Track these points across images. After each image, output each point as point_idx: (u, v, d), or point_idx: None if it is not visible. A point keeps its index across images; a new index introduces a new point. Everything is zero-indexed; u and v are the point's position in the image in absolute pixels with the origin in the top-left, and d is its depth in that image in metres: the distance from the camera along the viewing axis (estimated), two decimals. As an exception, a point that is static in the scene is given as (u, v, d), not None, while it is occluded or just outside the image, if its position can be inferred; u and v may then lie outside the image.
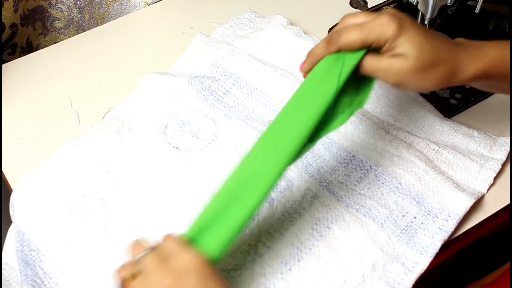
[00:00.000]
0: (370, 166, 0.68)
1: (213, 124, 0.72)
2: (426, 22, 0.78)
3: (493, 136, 0.72)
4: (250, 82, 0.76)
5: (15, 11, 0.83)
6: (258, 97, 0.75)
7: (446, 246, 0.63)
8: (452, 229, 0.63)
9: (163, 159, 0.68)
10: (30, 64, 0.82)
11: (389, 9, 0.56)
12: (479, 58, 0.57)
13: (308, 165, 0.68)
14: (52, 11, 0.91)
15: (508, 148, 0.70)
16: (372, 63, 0.54)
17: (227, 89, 0.75)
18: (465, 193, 0.65)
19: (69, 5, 0.91)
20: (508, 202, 0.67)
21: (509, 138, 0.71)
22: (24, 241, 0.62)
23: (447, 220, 0.63)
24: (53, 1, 0.90)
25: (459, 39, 0.59)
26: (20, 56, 0.89)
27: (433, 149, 0.69)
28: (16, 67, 0.82)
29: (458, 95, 0.77)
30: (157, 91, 0.74)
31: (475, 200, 0.64)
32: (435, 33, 0.56)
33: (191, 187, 0.66)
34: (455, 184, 0.66)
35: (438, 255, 0.62)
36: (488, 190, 0.67)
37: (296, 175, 0.67)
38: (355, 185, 0.66)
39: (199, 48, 0.80)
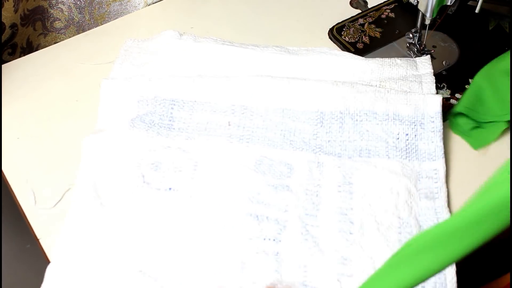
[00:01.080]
0: (341, 113, 0.71)
1: (182, 152, 0.69)
2: (426, 23, 0.78)
3: (412, 59, 0.79)
4: (185, 99, 0.73)
5: (15, 11, 0.83)
6: (202, 108, 0.72)
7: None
8: (442, 126, 0.68)
9: (165, 204, 0.65)
10: (30, 64, 0.82)
11: None
12: None
13: (291, 142, 0.70)
14: (52, 11, 0.91)
15: (429, 63, 0.77)
16: None
17: (169, 116, 0.72)
18: (428, 96, 0.70)
19: (69, 5, 0.91)
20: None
21: (427, 56, 0.79)
22: None
23: (433, 122, 0.68)
24: (53, 1, 0.90)
25: None
26: (20, 56, 0.89)
27: (376, 85, 0.74)
28: (16, 67, 0.82)
29: (458, 95, 0.77)
30: (108, 150, 0.69)
31: (441, 97, 0.70)
32: None
33: (211, 217, 0.64)
34: (416, 93, 0.71)
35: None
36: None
37: (289, 156, 0.69)
38: (341, 136, 0.70)
39: (114, 93, 0.74)
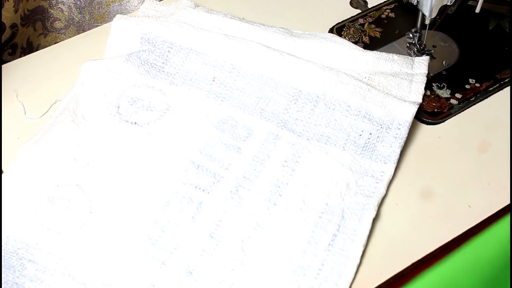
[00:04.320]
0: (317, 96, 0.73)
1: (162, 94, 0.74)
2: (426, 22, 0.78)
3: (410, 57, 0.79)
4: (183, 45, 0.78)
5: (16, 11, 0.83)
6: (196, 57, 0.77)
7: (447, 247, 0.63)
8: (406, 135, 0.70)
9: (125, 135, 0.71)
10: (30, 64, 0.82)
11: None
12: None
13: (262, 111, 0.73)
14: (52, 11, 0.91)
15: (426, 64, 0.78)
16: None
17: (164, 58, 0.77)
18: (407, 102, 0.71)
19: (69, 5, 0.91)
20: (508, 202, 0.67)
21: (426, 57, 0.79)
22: (8, 244, 0.62)
23: (399, 128, 0.70)
24: (54, 1, 0.90)
25: None
26: (20, 56, 0.89)
27: (365, 77, 0.76)
28: (16, 67, 0.82)
29: (458, 95, 0.77)
30: (99, 76, 0.75)
31: (417, 107, 0.71)
32: None
33: (159, 154, 0.69)
34: (396, 98, 0.72)
35: (444, 249, 0.62)
36: (487, 189, 0.67)
37: (253, 123, 0.72)
38: (309, 118, 0.72)
39: (123, 26, 0.80)
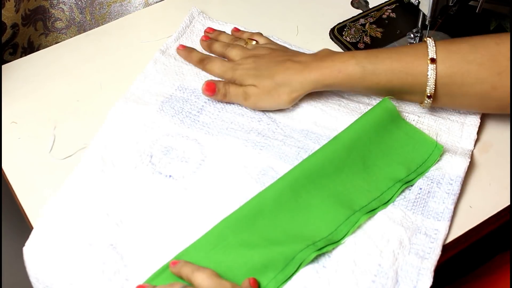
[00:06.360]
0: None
1: (197, 144, 0.71)
2: (427, 23, 0.78)
3: None
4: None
5: (17, 11, 0.83)
6: (233, 109, 0.74)
7: (448, 248, 0.63)
8: (459, 191, 0.66)
9: (160, 190, 0.67)
10: (31, 64, 0.83)
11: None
12: (316, 69, 0.70)
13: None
14: (53, 11, 0.91)
15: None
16: (233, 90, 0.73)
17: (199, 108, 0.74)
18: (458, 155, 0.68)
19: (70, 6, 0.91)
20: (508, 203, 0.67)
21: None
22: None
23: (451, 184, 0.66)
24: (55, 1, 0.90)
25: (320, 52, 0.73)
26: (21, 56, 0.89)
27: (413, 120, 0.72)
28: (17, 67, 0.82)
29: (459, 96, 0.77)
30: (131, 123, 0.73)
31: (469, 159, 0.68)
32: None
33: (197, 211, 0.65)
34: (445, 149, 0.69)
35: (441, 256, 0.62)
36: (488, 189, 0.67)
37: None
38: None
39: (160, 70, 0.79)
